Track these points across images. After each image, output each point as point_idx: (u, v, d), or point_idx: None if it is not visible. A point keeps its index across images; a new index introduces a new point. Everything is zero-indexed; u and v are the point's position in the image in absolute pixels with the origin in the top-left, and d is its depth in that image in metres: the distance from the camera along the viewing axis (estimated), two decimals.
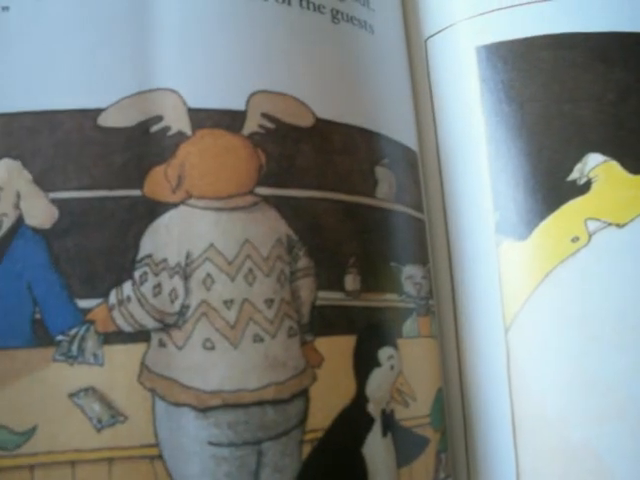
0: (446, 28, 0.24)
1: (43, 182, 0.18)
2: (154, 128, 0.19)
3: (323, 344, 0.19)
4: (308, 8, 0.21)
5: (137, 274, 0.18)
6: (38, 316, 0.18)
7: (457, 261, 0.22)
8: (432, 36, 0.24)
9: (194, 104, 0.19)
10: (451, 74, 0.23)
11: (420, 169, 0.23)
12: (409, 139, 0.23)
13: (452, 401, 0.22)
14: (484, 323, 0.21)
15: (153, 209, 0.18)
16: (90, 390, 0.17)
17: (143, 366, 0.17)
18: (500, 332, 0.21)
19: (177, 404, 0.17)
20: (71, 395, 0.17)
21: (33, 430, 0.17)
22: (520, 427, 0.21)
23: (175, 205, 0.18)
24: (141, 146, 0.18)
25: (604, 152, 0.21)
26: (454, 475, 0.21)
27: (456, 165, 0.23)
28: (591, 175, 0.21)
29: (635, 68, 0.22)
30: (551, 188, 0.21)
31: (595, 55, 0.22)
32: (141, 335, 0.18)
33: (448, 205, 0.23)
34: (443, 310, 0.22)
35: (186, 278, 0.18)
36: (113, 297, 0.18)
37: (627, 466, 0.20)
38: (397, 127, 0.23)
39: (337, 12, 0.22)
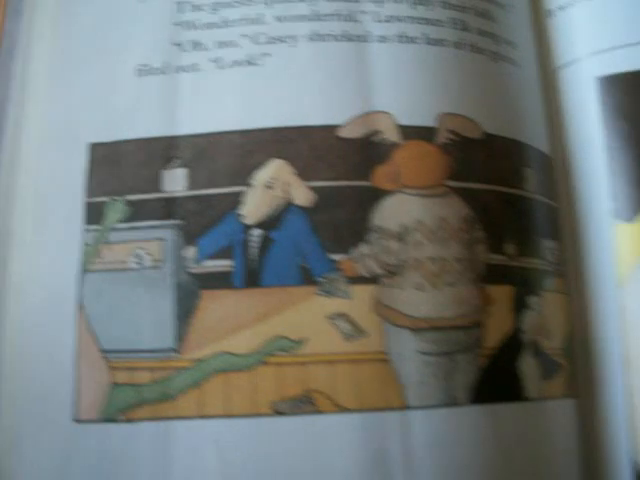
0: (572, 61, 0.37)
1: (303, 175, 0.31)
2: (375, 139, 0.32)
3: (492, 290, 0.32)
4: (475, 52, 0.34)
5: (370, 238, 0.31)
6: (305, 265, 0.31)
7: (582, 237, 0.35)
8: (561, 67, 0.37)
9: (402, 122, 0.32)
10: (576, 98, 0.36)
11: (554, 170, 0.36)
12: (545, 147, 0.36)
13: (578, 340, 0.34)
14: (603, 282, 0.34)
15: (378, 194, 0.31)
16: (342, 315, 0.30)
17: (376, 299, 0.31)
18: (614, 289, 0.34)
19: (399, 326, 0.30)
20: (329, 317, 0.30)
21: (304, 340, 0.30)
22: (630, 362, 0.33)
23: (393, 192, 0.31)
24: (368, 151, 0.32)
25: None
26: (582, 395, 0.34)
27: (581, 168, 0.36)
28: None
29: None
30: None
31: None
32: (374, 279, 0.31)
33: (574, 197, 0.35)
34: (571, 274, 0.35)
35: (403, 242, 0.31)
36: (355, 253, 0.31)
37: None
38: (537, 138, 0.35)
39: (494, 54, 0.35)
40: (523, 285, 0.33)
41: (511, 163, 0.33)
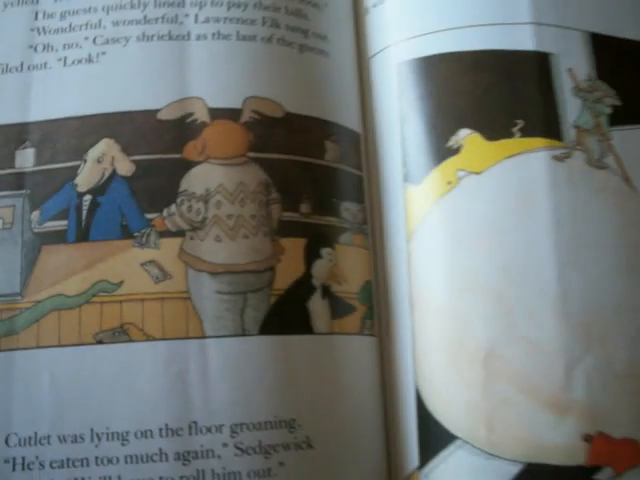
0: (382, 50, 0.44)
1: (127, 150, 0.40)
2: (189, 119, 0.40)
3: (285, 242, 0.39)
4: (284, 45, 0.42)
5: (178, 200, 0.39)
6: (124, 223, 0.39)
7: (382, 200, 0.42)
8: (373, 55, 0.45)
9: (211, 105, 0.40)
10: (383, 82, 0.44)
11: (362, 144, 0.44)
12: (354, 124, 0.43)
13: (377, 288, 0.42)
14: (396, 237, 0.41)
15: (188, 165, 0.39)
16: (153, 262, 0.38)
17: (181, 249, 0.39)
18: (404, 242, 0.41)
19: (199, 270, 0.38)
20: (142, 264, 0.38)
21: (121, 283, 0.38)
22: (415, 306, 0.40)
23: (200, 162, 0.39)
24: (181, 130, 0.40)
25: (471, 127, 0.41)
26: (378, 335, 0.41)
27: (383, 141, 0.43)
28: (461, 142, 0.41)
29: (496, 72, 0.42)
30: (437, 152, 0.41)
31: (470, 65, 0.42)
32: (180, 233, 0.39)
33: (378, 166, 0.43)
34: (374, 231, 0.42)
35: (206, 202, 0.39)
36: (165, 212, 0.39)
37: (481, 322, 0.39)
38: (347, 117, 0.43)
39: (302, 46, 0.43)
40: (316, 238, 0.40)
41: (311, 137, 0.41)
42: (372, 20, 0.45)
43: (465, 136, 0.41)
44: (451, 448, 0.38)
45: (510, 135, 0.41)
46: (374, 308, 0.41)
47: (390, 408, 0.41)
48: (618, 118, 0.43)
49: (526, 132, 0.41)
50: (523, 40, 0.43)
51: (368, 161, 0.43)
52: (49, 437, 0.36)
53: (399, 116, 0.43)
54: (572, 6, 0.44)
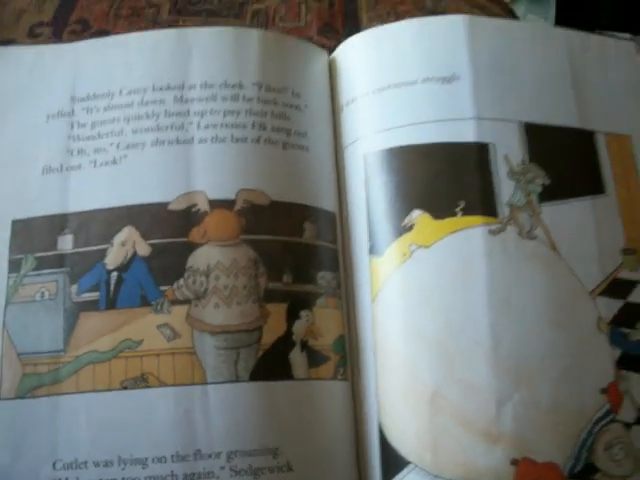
0: (352, 142, 0.56)
1: (145, 235, 0.52)
2: (193, 209, 0.52)
3: (270, 307, 0.51)
4: (270, 144, 0.54)
5: (185, 275, 0.51)
6: (143, 294, 0.51)
7: (352, 268, 0.54)
8: (347, 147, 0.56)
9: (211, 197, 0.52)
10: (354, 168, 0.55)
11: (337, 222, 0.55)
12: (330, 205, 0.55)
13: (350, 341, 0.53)
14: (363, 299, 0.53)
15: (193, 246, 0.51)
16: (166, 324, 0.50)
17: (188, 314, 0.50)
18: (369, 303, 0.53)
19: (202, 331, 0.50)
20: (157, 326, 0.50)
21: (142, 341, 0.50)
22: (377, 355, 0.52)
23: (202, 244, 0.52)
24: (187, 218, 0.52)
25: (422, 208, 0.53)
26: (349, 380, 0.53)
27: (353, 220, 0.55)
28: (414, 221, 0.53)
29: (443, 162, 0.53)
30: (395, 229, 0.53)
31: (423, 156, 0.53)
32: (187, 301, 0.51)
33: (349, 240, 0.54)
34: (347, 294, 0.54)
35: (207, 276, 0.51)
36: (175, 285, 0.51)
37: (428, 368, 0.51)
38: (324, 200, 0.55)
39: (286, 143, 0.55)
40: (296, 303, 0.52)
41: (292, 220, 0.52)
42: (345, 117, 0.57)
43: (417, 216, 0.52)
44: (404, 471, 0.49)
45: (454, 214, 0.52)
46: (347, 357, 0.53)
47: (359, 438, 0.52)
48: (546, 195, 0.53)
49: (467, 211, 0.52)
50: (466, 133, 0.54)
51: (343, 236, 0.55)
52: (86, 462, 0.48)
53: (365, 198, 0.54)
54: (510, 101, 0.55)
